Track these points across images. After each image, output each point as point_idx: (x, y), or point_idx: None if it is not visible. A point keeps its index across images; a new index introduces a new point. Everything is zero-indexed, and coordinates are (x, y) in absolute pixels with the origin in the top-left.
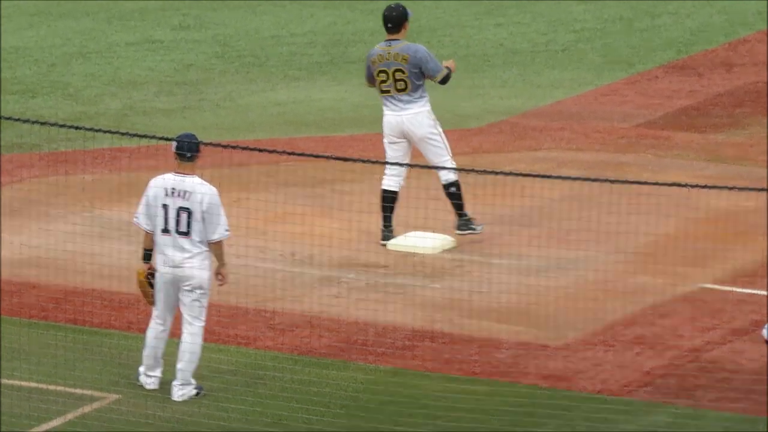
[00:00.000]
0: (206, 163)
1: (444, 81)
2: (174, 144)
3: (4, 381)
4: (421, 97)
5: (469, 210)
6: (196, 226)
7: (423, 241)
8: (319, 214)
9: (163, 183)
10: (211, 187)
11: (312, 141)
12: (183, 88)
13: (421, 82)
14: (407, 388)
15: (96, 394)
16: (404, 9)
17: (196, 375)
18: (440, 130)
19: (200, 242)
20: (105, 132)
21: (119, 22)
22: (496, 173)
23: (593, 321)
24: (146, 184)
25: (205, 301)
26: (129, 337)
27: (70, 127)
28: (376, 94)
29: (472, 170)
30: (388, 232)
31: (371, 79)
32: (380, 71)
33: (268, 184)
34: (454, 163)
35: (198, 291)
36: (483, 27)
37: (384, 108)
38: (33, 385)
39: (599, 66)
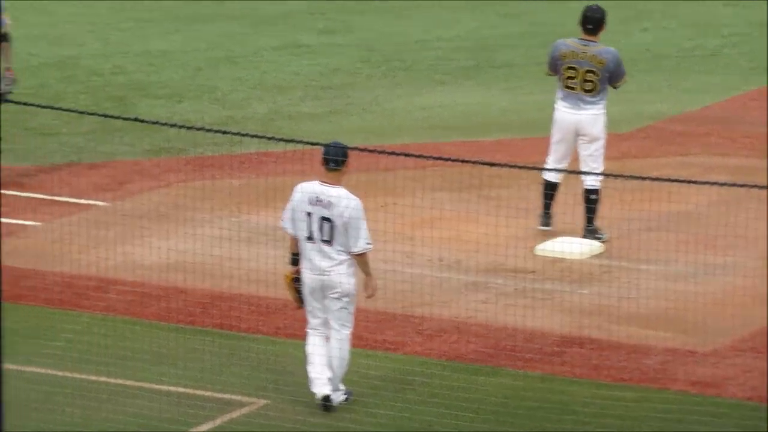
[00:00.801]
0: (352, 168)
1: (619, 87)
2: (322, 152)
3: (153, 386)
4: (602, 99)
5: (615, 214)
6: (338, 236)
7: (571, 246)
8: (466, 219)
9: (308, 190)
10: (356, 199)
11: (458, 146)
12: (329, 93)
13: (606, 86)
14: (556, 394)
15: (244, 399)
16: (604, 12)
17: (345, 380)
18: (605, 137)
19: (343, 251)
20: (252, 136)
21: (265, 26)
22: (643, 178)
23: (742, 327)
24: (292, 188)
25: (352, 308)
26: (277, 342)
27: (217, 131)
28: (521, 99)
29: (620, 175)
30: (546, 219)
31: (554, 69)
32: (569, 67)
33: (414, 188)
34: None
35: (345, 299)
36: (629, 32)
37: (560, 102)
38: (181, 390)
39: (746, 71)
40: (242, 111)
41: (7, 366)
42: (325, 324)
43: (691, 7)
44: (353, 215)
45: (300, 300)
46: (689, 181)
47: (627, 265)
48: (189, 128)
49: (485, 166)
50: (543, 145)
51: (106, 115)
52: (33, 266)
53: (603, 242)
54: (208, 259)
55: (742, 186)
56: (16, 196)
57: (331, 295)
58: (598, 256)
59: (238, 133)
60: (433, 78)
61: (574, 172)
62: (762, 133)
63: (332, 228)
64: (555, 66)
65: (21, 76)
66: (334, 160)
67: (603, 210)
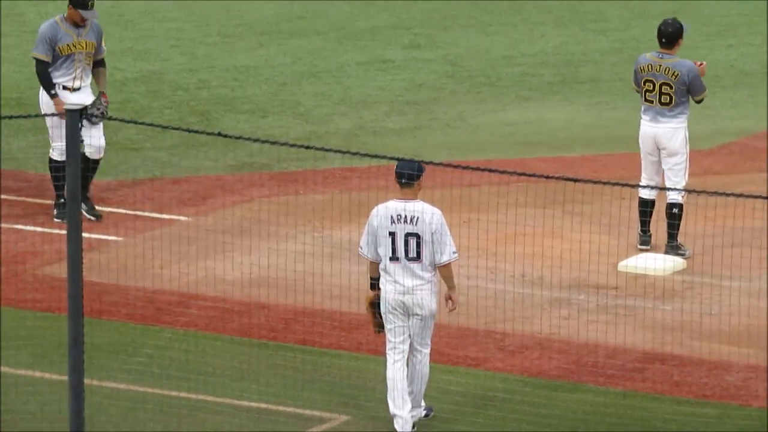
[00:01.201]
0: (437, 184)
1: (701, 101)
2: (395, 170)
3: (234, 402)
4: (681, 113)
5: (698, 230)
6: (426, 251)
7: (654, 262)
8: (549, 235)
9: (387, 211)
10: (437, 209)
11: (543, 161)
12: (414, 108)
13: (684, 99)
14: (637, 411)
15: (325, 415)
16: (680, 25)
17: (426, 396)
18: (688, 151)
19: (430, 266)
20: (335, 152)
21: (350, 41)
22: (726, 194)
23: None
24: (376, 204)
25: (432, 326)
26: (359, 358)
27: (301, 146)
28: (606, 115)
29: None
30: (646, 237)
31: (638, 84)
32: (647, 80)
33: (498, 204)
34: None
35: (430, 319)
36: (714, 48)
37: (642, 116)
38: (262, 405)
39: None
40: (326, 126)
41: (89, 381)
42: (406, 342)
43: None
44: (440, 225)
45: (379, 325)
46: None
47: (709, 281)
48: (273, 143)
49: (569, 182)
50: (627, 161)
51: (189, 130)
52: (115, 281)
53: (685, 258)
54: (291, 275)
55: None
56: (99, 210)
57: (415, 316)
58: (681, 272)
59: (321, 149)
60: (517, 94)
61: (657, 188)
62: None
63: (419, 243)
64: (637, 80)
65: (106, 91)
66: (408, 176)
67: (686, 226)
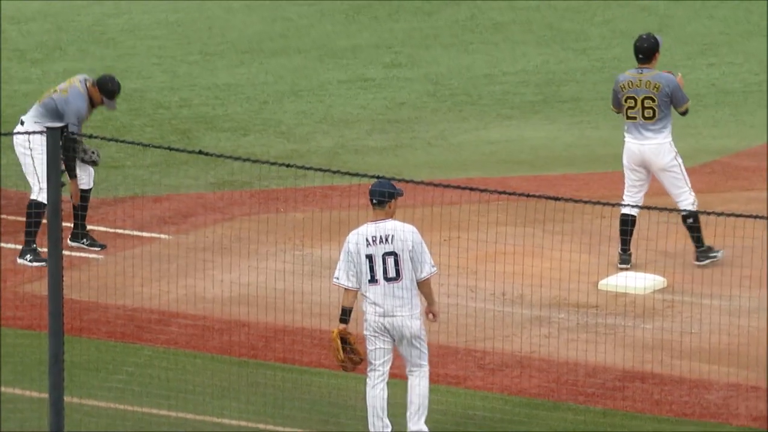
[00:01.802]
0: (417, 202)
1: (686, 112)
2: (369, 189)
3: (214, 419)
4: (665, 127)
5: (678, 248)
6: (404, 269)
7: (634, 281)
8: (530, 254)
9: (361, 236)
10: (410, 225)
11: (524, 180)
12: (395, 126)
13: (667, 112)
14: (617, 429)
15: None
16: (656, 40)
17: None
18: (680, 161)
19: (410, 285)
20: (316, 170)
21: (331, 60)
22: (708, 213)
23: None
24: (357, 222)
25: (425, 346)
26: (339, 376)
27: (282, 164)
28: (587, 134)
29: (685, 210)
30: (626, 256)
31: (617, 104)
32: (628, 97)
33: (479, 223)
34: (693, 194)
35: (415, 340)
36: (696, 66)
37: (626, 135)
38: (243, 423)
39: None
40: (307, 144)
41: (69, 399)
42: (387, 364)
43: (757, 42)
44: (415, 241)
45: (342, 362)
46: (754, 216)
47: (690, 300)
48: (254, 161)
49: (550, 201)
50: (608, 180)
51: (170, 148)
52: (95, 299)
53: (717, 259)
54: (271, 293)
55: None
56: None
57: (403, 339)
58: (661, 290)
59: (302, 167)
60: (499, 112)
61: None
62: None
63: (397, 261)
64: (617, 100)
65: None
66: (379, 198)
67: (666, 244)
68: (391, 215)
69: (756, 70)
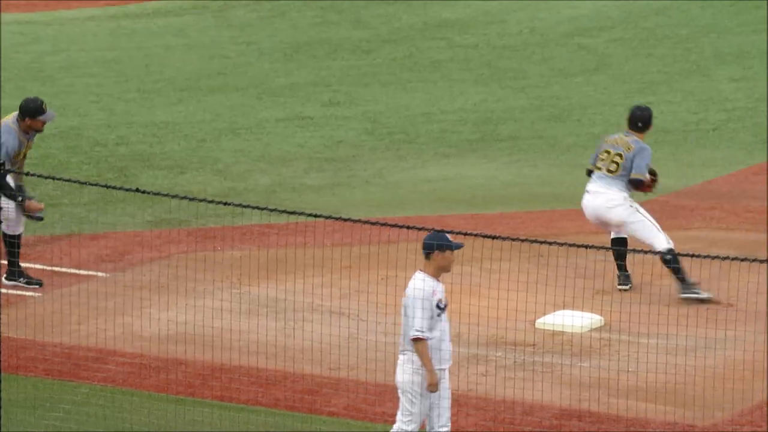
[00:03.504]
0: (354, 240)
1: (635, 183)
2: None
3: None
4: (621, 188)
5: (616, 287)
6: (402, 324)
7: (571, 319)
8: (467, 292)
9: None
10: (416, 285)
11: (461, 218)
12: (333, 165)
13: (628, 173)
14: None
15: None
16: (651, 115)
17: None
18: (642, 211)
19: (403, 340)
20: (254, 208)
21: (269, 98)
22: (645, 252)
23: (741, 401)
24: (294, 260)
25: (407, 404)
26: (276, 413)
27: (219, 202)
28: (525, 172)
29: (623, 249)
30: (624, 278)
31: (596, 157)
32: (606, 150)
33: (416, 261)
34: (664, 234)
35: (399, 392)
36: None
37: (586, 186)
38: None
39: (750, 145)
40: (244, 182)
41: None
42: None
43: (696, 81)
44: (409, 298)
45: None
46: (692, 255)
47: (627, 339)
48: (191, 199)
49: (487, 239)
50: (545, 219)
51: (107, 186)
52: (32, 337)
53: (704, 299)
54: (209, 331)
55: (743, 260)
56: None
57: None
58: (598, 329)
59: (240, 205)
60: (437, 151)
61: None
62: (764, 207)
63: (403, 314)
64: (598, 153)
65: None
66: (424, 250)
67: (604, 283)
68: (432, 267)
69: (694, 108)
